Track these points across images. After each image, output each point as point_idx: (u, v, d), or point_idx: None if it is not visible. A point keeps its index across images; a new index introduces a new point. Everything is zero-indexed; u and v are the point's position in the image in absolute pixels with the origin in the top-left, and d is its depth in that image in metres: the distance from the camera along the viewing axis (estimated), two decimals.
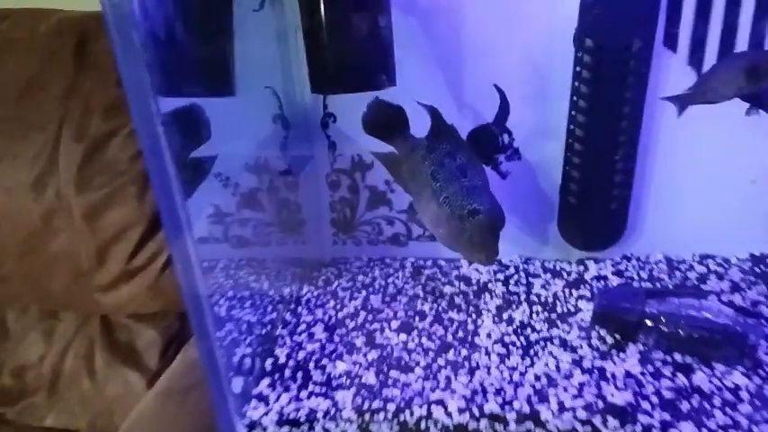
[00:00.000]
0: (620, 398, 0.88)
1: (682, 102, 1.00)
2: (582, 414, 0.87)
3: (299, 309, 1.13)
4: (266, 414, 0.91)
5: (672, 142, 1.17)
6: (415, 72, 1.14)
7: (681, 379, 0.90)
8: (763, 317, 1.01)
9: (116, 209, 1.25)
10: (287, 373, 0.99)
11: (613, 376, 0.92)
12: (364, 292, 1.20)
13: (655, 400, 0.87)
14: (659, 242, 1.25)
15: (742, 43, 1.06)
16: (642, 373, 0.92)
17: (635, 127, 1.12)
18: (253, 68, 1.15)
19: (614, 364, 0.95)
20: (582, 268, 1.23)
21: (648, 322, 0.94)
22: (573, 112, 1.13)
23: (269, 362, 1.01)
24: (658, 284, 1.12)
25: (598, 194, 1.16)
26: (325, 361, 1.00)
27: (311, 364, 1.00)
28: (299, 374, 0.99)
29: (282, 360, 1.02)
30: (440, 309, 1.11)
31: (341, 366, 0.99)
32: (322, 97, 1.22)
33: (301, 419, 0.90)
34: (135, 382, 1.27)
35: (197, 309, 0.84)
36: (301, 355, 1.02)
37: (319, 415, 0.90)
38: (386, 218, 1.29)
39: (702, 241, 1.23)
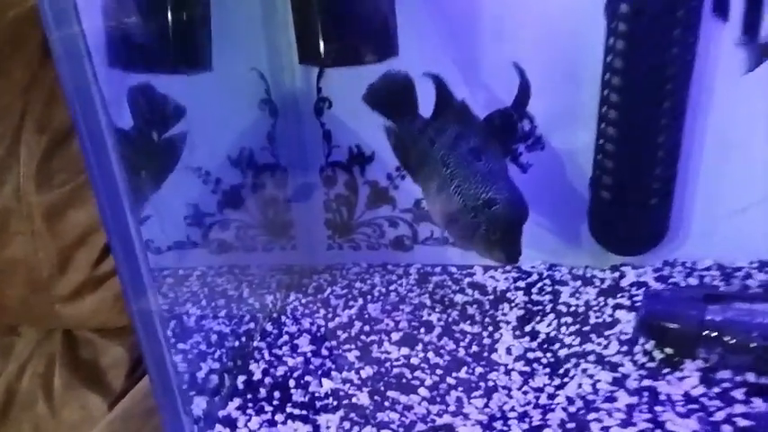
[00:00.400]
0: (684, 427, 0.68)
1: (760, 51, 0.82)
2: None
3: (283, 318, 0.96)
4: None
5: (724, 126, 1.00)
6: (422, 47, 1.00)
7: (758, 404, 0.71)
8: None
9: (80, 209, 1.11)
10: (261, 392, 0.82)
11: (670, 400, 0.73)
12: (361, 301, 1.03)
13: (728, 430, 0.67)
14: (708, 245, 1.07)
15: None
16: (706, 396, 0.73)
17: (679, 108, 0.96)
18: (233, 42, 1.02)
19: (668, 384, 0.76)
20: (617, 275, 1.05)
21: (710, 333, 0.75)
22: (605, 92, 0.97)
23: (241, 379, 0.84)
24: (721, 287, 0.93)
25: (636, 188, 1.01)
26: (308, 378, 0.83)
27: (291, 382, 0.83)
28: (276, 394, 0.82)
29: (257, 377, 0.85)
30: (450, 320, 0.99)
31: (327, 384, 0.82)
32: (315, 80, 1.08)
33: None
34: (95, 405, 1.10)
35: (143, 315, 0.67)
36: (280, 370, 0.85)
37: None
38: (388, 218, 1.17)
39: (762, 245, 1.04)
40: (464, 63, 1.01)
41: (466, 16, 1.01)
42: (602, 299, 0.99)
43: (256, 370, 0.85)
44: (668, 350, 0.82)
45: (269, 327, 0.95)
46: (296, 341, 0.91)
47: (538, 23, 0.98)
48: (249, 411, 0.79)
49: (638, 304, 0.94)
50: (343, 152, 1.10)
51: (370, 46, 0.92)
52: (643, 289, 0.99)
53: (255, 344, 0.89)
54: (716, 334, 0.75)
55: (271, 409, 0.80)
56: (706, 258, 1.07)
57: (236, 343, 0.90)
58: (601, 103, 0.99)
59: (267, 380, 0.84)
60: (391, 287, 1.08)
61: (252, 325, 0.95)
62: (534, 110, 1.03)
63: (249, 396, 0.82)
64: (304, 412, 0.77)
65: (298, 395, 0.80)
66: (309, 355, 0.88)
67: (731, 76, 0.96)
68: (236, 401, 0.81)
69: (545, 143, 1.06)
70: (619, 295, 0.99)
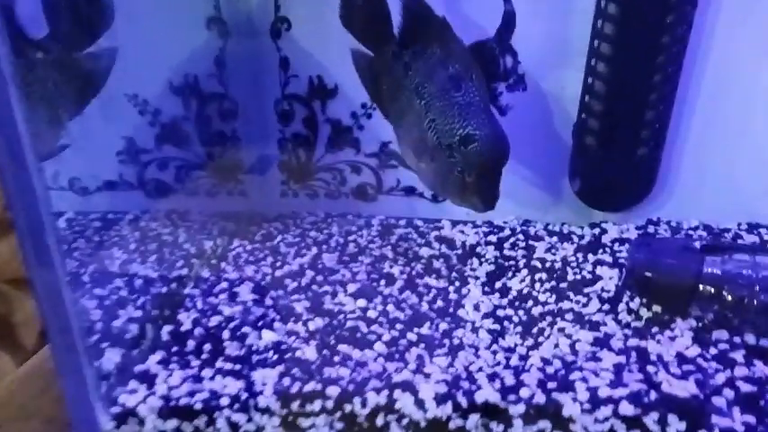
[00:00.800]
0: (682, 389, 0.59)
1: None
2: (628, 409, 0.58)
3: (223, 265, 0.83)
4: (145, 400, 0.61)
5: (723, 77, 0.91)
6: None
7: (761, 368, 0.62)
8: None
9: None
10: (189, 344, 0.71)
11: (661, 360, 0.64)
12: (315, 250, 0.92)
13: (730, 394, 0.59)
14: (695, 204, 1.00)
15: None
16: (702, 357, 0.64)
17: (679, 44, 0.87)
18: None
19: (659, 344, 0.67)
20: (597, 231, 0.96)
21: (707, 288, 0.67)
22: (599, 23, 0.88)
23: (166, 330, 0.71)
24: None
25: (624, 134, 0.93)
26: (246, 330, 0.71)
27: (226, 334, 0.72)
28: (207, 346, 0.70)
29: (186, 327, 0.73)
30: (413, 273, 0.90)
31: (268, 337, 0.70)
32: None
33: (196, 407, 0.61)
34: (3, 363, 0.97)
35: (38, 251, 0.54)
36: (214, 321, 0.74)
37: (224, 401, 0.61)
38: (351, 163, 1.05)
39: (750, 206, 0.97)
40: None
41: None
42: (580, 255, 0.90)
43: (186, 320, 0.74)
44: (656, 308, 0.73)
45: (205, 273, 0.82)
46: (235, 289, 0.80)
47: None
48: (172, 366, 0.67)
49: (623, 260, 0.86)
50: (302, 83, 0.99)
51: None
52: (626, 245, 0.90)
53: (187, 291, 0.76)
54: (713, 290, 0.66)
55: (198, 363, 0.68)
56: (692, 218, 0.99)
57: (164, 289, 0.78)
58: (593, 36, 0.89)
59: (197, 331, 0.72)
60: (350, 238, 0.97)
61: (185, 271, 0.82)
62: (518, 43, 0.93)
63: (175, 349, 0.70)
64: (237, 367, 0.67)
65: (232, 348, 0.70)
66: (250, 304, 0.77)
67: (735, 17, 0.87)
68: (159, 355, 0.69)
69: (528, 83, 0.96)
70: (600, 251, 0.90)
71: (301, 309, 0.77)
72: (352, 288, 0.83)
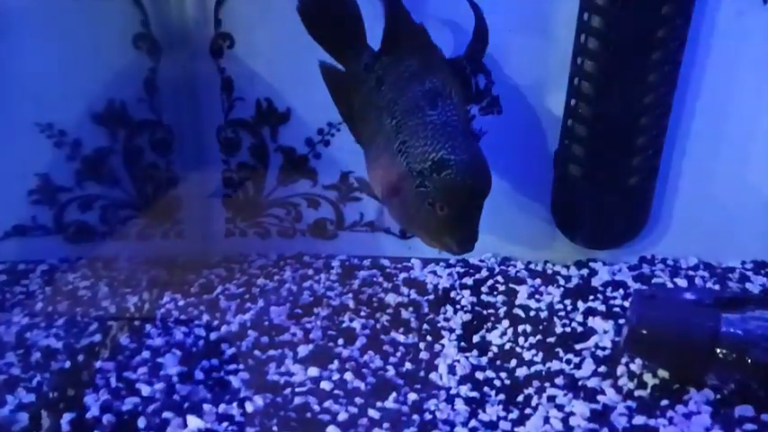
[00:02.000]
0: None
1: None
2: None
3: (147, 328, 0.70)
4: None
5: (722, 97, 0.83)
6: None
7: None
8: None
9: None
10: None
11: None
12: (261, 302, 0.79)
13: None
14: (693, 239, 0.91)
15: None
16: None
17: (670, 66, 0.78)
18: None
19: (672, 424, 0.56)
20: (586, 272, 0.85)
21: (726, 352, 0.55)
22: (582, 38, 0.79)
23: (67, 418, 0.57)
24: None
25: (612, 163, 0.83)
26: (168, 414, 0.57)
27: (141, 422, 0.57)
28: None
29: (93, 413, 0.59)
30: (378, 327, 0.79)
31: (193, 424, 0.56)
32: (213, 8, 0.82)
33: None
34: None
35: None
36: (128, 404, 0.59)
37: None
38: (307, 196, 0.94)
39: (755, 242, 0.89)
40: None
41: None
42: (568, 301, 0.80)
43: (93, 404, 0.60)
44: (663, 373, 0.62)
45: (124, 340, 0.68)
46: (159, 359, 0.66)
47: None
48: None
49: (617, 309, 0.74)
50: (248, 107, 0.88)
51: None
52: (620, 291, 0.79)
53: (99, 364, 0.62)
54: (734, 354, 0.55)
55: None
56: (690, 255, 0.89)
57: (68, 364, 0.63)
58: (575, 53, 0.80)
59: (106, 418, 0.58)
60: (305, 284, 0.84)
61: (98, 337, 0.68)
62: (492, 63, 0.85)
63: None
64: None
65: None
66: (175, 380, 0.64)
67: (732, 30, 0.78)
68: None
69: (503, 105, 0.87)
70: (590, 297, 0.79)
71: (238, 383, 0.63)
72: (303, 351, 0.70)
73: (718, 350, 0.56)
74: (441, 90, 0.68)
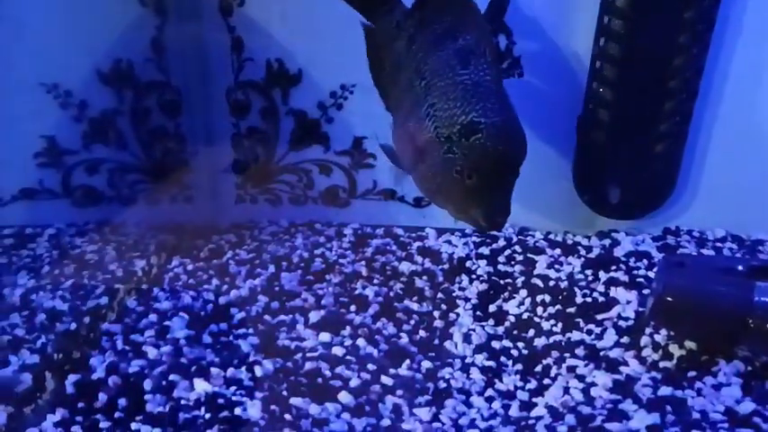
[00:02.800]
0: None
1: None
2: None
3: (155, 291, 0.68)
4: None
5: (755, 64, 0.78)
6: None
7: None
8: None
9: None
10: (100, 398, 0.55)
11: (707, 420, 0.50)
12: (272, 268, 0.78)
13: None
14: (720, 210, 0.87)
15: None
16: (760, 417, 0.50)
17: (703, 26, 0.74)
18: None
19: (700, 395, 0.53)
20: (608, 242, 0.82)
21: (758, 322, 0.52)
22: (607, 16, 0.75)
23: (72, 380, 0.56)
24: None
25: (638, 129, 0.79)
26: (174, 378, 0.56)
27: (147, 384, 0.55)
28: (122, 402, 0.54)
29: (98, 375, 0.57)
30: (391, 295, 0.76)
31: (201, 388, 0.55)
32: None
33: None
34: None
35: None
36: (135, 366, 0.58)
37: None
38: (319, 163, 0.91)
39: None
40: None
41: None
42: (589, 272, 0.77)
43: (98, 366, 0.59)
44: (689, 344, 0.59)
45: (131, 303, 0.67)
46: (167, 323, 0.64)
47: None
48: (74, 429, 0.52)
49: (641, 279, 0.71)
50: (258, 68, 0.86)
51: None
52: (644, 261, 0.76)
53: (106, 327, 0.61)
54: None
55: (108, 425, 0.53)
56: (717, 227, 0.86)
57: (74, 326, 0.62)
58: (602, 13, 0.76)
59: (112, 380, 0.57)
60: (317, 251, 0.82)
61: (104, 300, 0.66)
62: (514, 22, 0.81)
63: (81, 405, 0.54)
64: (157, 431, 0.50)
65: (154, 404, 0.54)
66: (182, 343, 0.62)
67: None
68: (60, 414, 0.53)
69: (525, 68, 0.83)
70: (612, 268, 0.76)
71: (248, 348, 0.62)
72: (314, 317, 0.69)
73: (751, 320, 0.53)
74: (474, 48, 0.63)
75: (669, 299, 0.55)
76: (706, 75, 0.79)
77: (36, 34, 0.80)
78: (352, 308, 0.72)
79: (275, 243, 0.84)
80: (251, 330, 0.65)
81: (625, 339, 0.64)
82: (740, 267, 0.56)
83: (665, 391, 0.54)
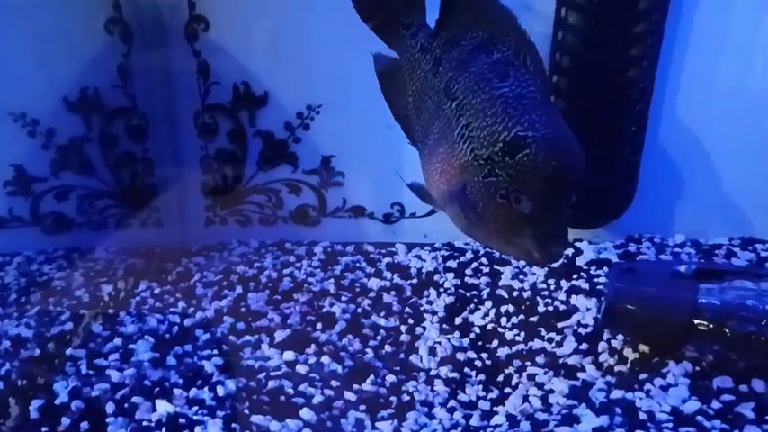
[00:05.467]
0: None
1: None
2: None
3: (121, 316, 0.68)
4: None
5: (707, 77, 0.81)
6: None
7: None
8: None
9: None
10: (64, 421, 0.55)
11: (653, 420, 0.51)
12: (239, 289, 0.77)
13: None
14: (680, 217, 0.89)
15: None
16: (703, 415, 0.51)
17: (654, 35, 0.76)
18: None
19: (649, 397, 0.54)
20: (570, 252, 0.84)
21: (704, 323, 0.54)
22: (563, 12, 0.78)
23: (35, 405, 0.56)
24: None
25: (596, 141, 0.79)
26: (137, 399, 0.56)
27: (110, 407, 0.56)
28: (84, 425, 0.55)
29: (62, 400, 0.57)
30: (359, 311, 0.77)
31: (162, 408, 0.55)
32: None
33: None
34: None
35: None
36: (98, 389, 0.58)
37: None
38: (288, 182, 0.92)
39: (742, 218, 0.87)
40: None
41: None
42: (552, 281, 0.78)
43: (62, 390, 0.59)
44: (644, 348, 0.60)
45: (96, 328, 0.67)
46: (131, 346, 0.64)
47: None
48: None
49: (602, 287, 0.73)
50: (225, 91, 0.87)
51: None
52: (604, 269, 0.78)
53: (70, 352, 0.61)
54: (712, 325, 0.53)
55: None
56: (677, 233, 0.88)
57: (38, 351, 0.62)
58: (556, 28, 0.78)
59: (75, 404, 0.57)
60: (286, 271, 0.83)
61: (69, 326, 0.67)
62: None
63: (44, 430, 0.54)
64: None
65: (115, 426, 0.55)
66: (146, 365, 0.62)
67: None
68: None
69: None
70: (574, 276, 0.77)
71: (211, 368, 0.62)
72: (280, 336, 0.69)
73: (696, 321, 0.54)
74: (512, 59, 0.56)
75: (619, 305, 0.57)
76: (659, 86, 0.80)
77: (3, 64, 0.81)
78: (319, 326, 0.72)
79: (244, 264, 0.85)
80: (215, 351, 0.65)
81: (584, 346, 0.65)
82: (687, 271, 0.58)
83: (616, 394, 0.55)
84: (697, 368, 0.55)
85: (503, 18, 0.58)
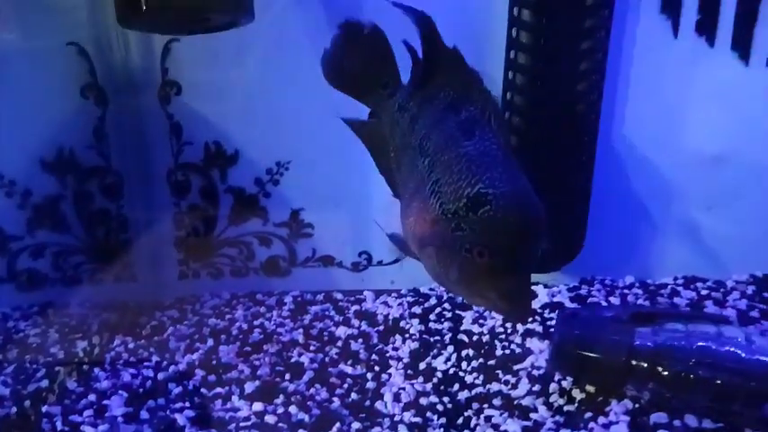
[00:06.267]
0: None
1: None
2: None
3: (95, 371, 0.71)
4: None
5: (648, 118, 0.86)
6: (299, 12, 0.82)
7: None
8: None
9: None
10: None
11: None
12: (211, 342, 0.80)
13: None
14: (630, 260, 0.94)
15: None
16: None
17: (596, 92, 0.83)
18: (40, 4, 0.80)
19: None
20: None
21: (641, 363, 0.59)
22: (509, 72, 0.83)
23: None
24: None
25: (548, 189, 0.83)
26: None
27: None
28: None
29: None
30: (326, 360, 0.80)
31: None
32: (159, 57, 0.85)
33: None
34: None
35: None
36: None
37: None
38: (259, 235, 0.96)
39: (685, 260, 0.93)
40: None
41: None
42: (509, 325, 0.82)
43: None
44: (590, 388, 0.65)
45: (72, 384, 0.69)
46: (105, 402, 0.66)
47: None
48: None
49: (553, 330, 0.77)
50: (197, 151, 0.90)
51: (213, 7, 0.69)
52: (557, 312, 0.82)
53: (46, 409, 0.63)
54: (647, 365, 0.58)
55: None
56: (627, 275, 0.93)
57: (14, 409, 0.64)
58: (505, 84, 0.83)
59: None
60: (256, 322, 0.86)
61: (45, 383, 0.69)
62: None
63: None
64: None
65: None
66: (120, 420, 0.64)
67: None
68: None
69: None
70: (529, 320, 0.82)
71: (183, 421, 0.64)
72: (249, 388, 0.72)
73: (634, 362, 0.59)
74: (478, 117, 0.59)
75: (564, 348, 0.62)
76: (604, 134, 0.86)
77: None
78: (287, 376, 0.75)
79: (215, 316, 0.88)
80: (187, 404, 0.68)
81: (536, 387, 0.69)
82: (624, 316, 0.63)
83: None
84: (636, 405, 0.60)
85: (470, 78, 0.62)
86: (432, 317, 0.87)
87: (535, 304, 0.85)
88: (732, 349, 0.57)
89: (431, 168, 0.59)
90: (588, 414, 0.61)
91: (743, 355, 0.57)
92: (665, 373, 0.58)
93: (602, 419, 0.59)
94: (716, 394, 0.57)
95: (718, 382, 0.56)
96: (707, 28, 0.82)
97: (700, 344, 0.58)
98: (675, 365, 0.58)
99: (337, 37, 0.69)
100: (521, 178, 0.57)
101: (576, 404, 0.64)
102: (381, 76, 0.67)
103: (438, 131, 0.60)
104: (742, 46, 0.83)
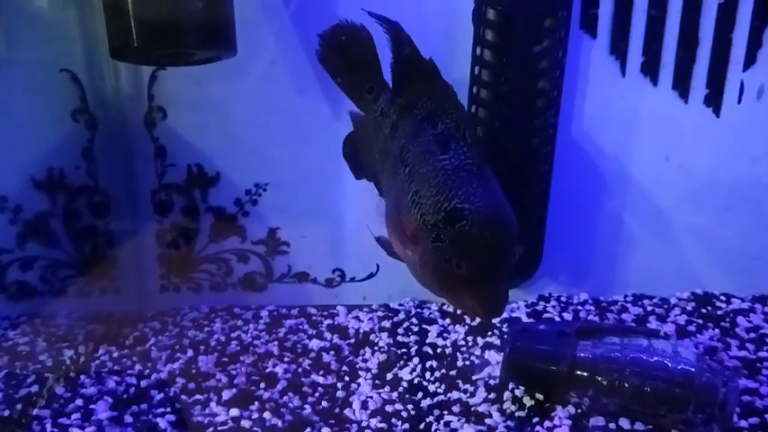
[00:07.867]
0: None
1: None
2: None
3: (82, 378, 0.75)
4: None
5: (599, 149, 0.94)
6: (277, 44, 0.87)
7: None
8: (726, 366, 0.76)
9: None
10: None
11: None
12: (190, 352, 0.85)
13: None
14: (584, 278, 1.01)
15: (671, 33, 0.88)
16: None
17: (551, 125, 0.89)
18: (34, 33, 0.86)
19: None
20: None
21: (582, 373, 0.66)
22: (474, 106, 0.89)
23: None
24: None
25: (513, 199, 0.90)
26: None
27: None
28: None
29: None
30: (299, 370, 0.84)
31: None
32: (146, 84, 0.91)
33: None
34: None
35: None
36: None
37: None
38: (237, 252, 1.01)
39: (634, 279, 1.00)
40: (322, 74, 0.85)
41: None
42: (471, 338, 0.88)
43: None
44: (539, 395, 0.71)
45: (60, 390, 0.73)
46: (92, 406, 0.71)
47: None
48: None
49: None
50: (180, 172, 0.95)
51: (197, 35, 0.74)
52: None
53: (36, 412, 0.67)
54: (587, 374, 0.65)
55: None
56: (581, 292, 1.00)
57: (6, 412, 0.68)
58: (471, 101, 0.87)
59: None
60: (233, 334, 0.90)
61: (35, 388, 0.73)
62: None
63: None
64: None
65: None
66: (105, 423, 0.68)
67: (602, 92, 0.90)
68: None
69: None
70: (489, 334, 0.88)
71: (165, 424, 0.69)
72: (226, 395, 0.76)
73: (576, 372, 0.66)
74: (453, 132, 0.62)
75: (513, 360, 0.68)
76: (560, 158, 0.91)
77: None
78: (262, 384, 0.79)
79: (195, 328, 0.92)
80: (168, 409, 0.72)
81: (492, 395, 0.75)
82: (569, 330, 0.70)
83: None
84: (578, 410, 0.66)
85: (445, 91, 0.65)
86: (400, 330, 0.92)
87: (495, 319, 0.92)
88: (660, 360, 0.65)
89: (411, 178, 0.61)
90: (536, 419, 0.67)
91: (669, 364, 0.64)
92: (603, 381, 0.65)
93: (547, 423, 0.66)
94: (646, 399, 0.64)
95: (648, 389, 0.64)
96: (651, 69, 0.91)
97: (632, 355, 0.65)
98: (611, 374, 0.65)
99: (324, 36, 0.72)
100: (495, 191, 0.60)
101: (527, 410, 0.70)
102: (365, 80, 0.70)
103: (416, 143, 0.62)
104: (682, 85, 0.92)
